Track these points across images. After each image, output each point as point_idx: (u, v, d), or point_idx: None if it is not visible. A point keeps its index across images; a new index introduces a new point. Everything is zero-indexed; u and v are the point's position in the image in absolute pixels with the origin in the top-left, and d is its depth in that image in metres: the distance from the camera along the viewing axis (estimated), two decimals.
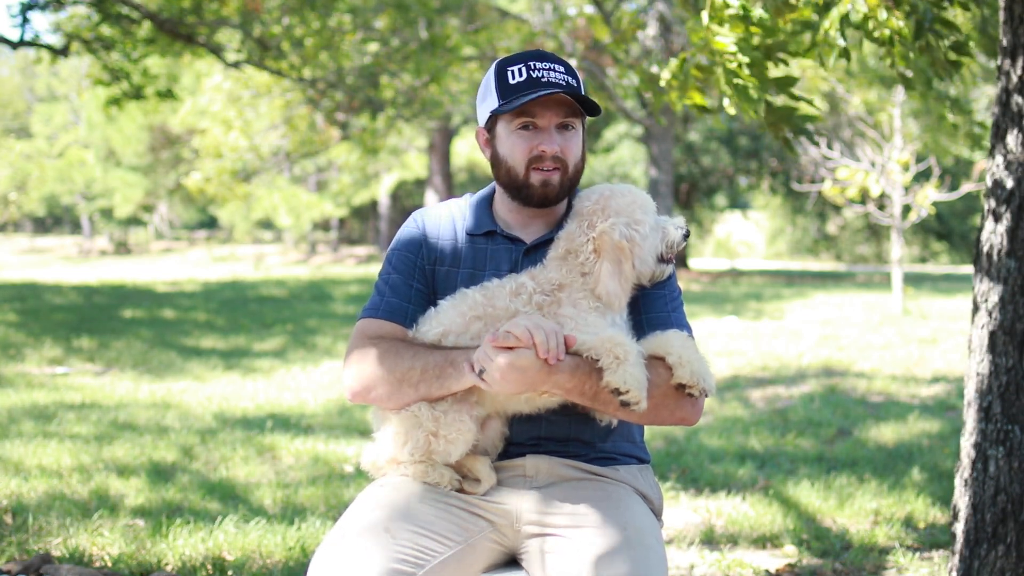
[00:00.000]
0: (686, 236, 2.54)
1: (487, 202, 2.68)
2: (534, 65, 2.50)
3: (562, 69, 2.52)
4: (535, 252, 2.57)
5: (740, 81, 3.50)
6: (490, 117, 2.56)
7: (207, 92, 25.22)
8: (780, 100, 3.80)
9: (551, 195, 2.54)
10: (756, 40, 3.54)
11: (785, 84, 3.66)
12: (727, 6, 3.48)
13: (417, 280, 2.58)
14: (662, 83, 3.86)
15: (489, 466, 2.46)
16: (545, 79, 2.48)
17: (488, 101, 2.56)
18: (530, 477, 2.50)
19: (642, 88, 4.30)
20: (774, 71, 3.70)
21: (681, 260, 30.03)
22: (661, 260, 2.51)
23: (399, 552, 2.24)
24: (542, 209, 2.60)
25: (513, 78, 2.49)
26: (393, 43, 18.15)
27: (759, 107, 3.57)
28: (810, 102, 3.76)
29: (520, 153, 2.51)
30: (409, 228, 2.67)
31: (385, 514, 2.32)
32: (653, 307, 2.54)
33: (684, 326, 2.52)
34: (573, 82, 2.52)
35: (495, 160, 2.58)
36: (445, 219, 2.67)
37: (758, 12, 3.50)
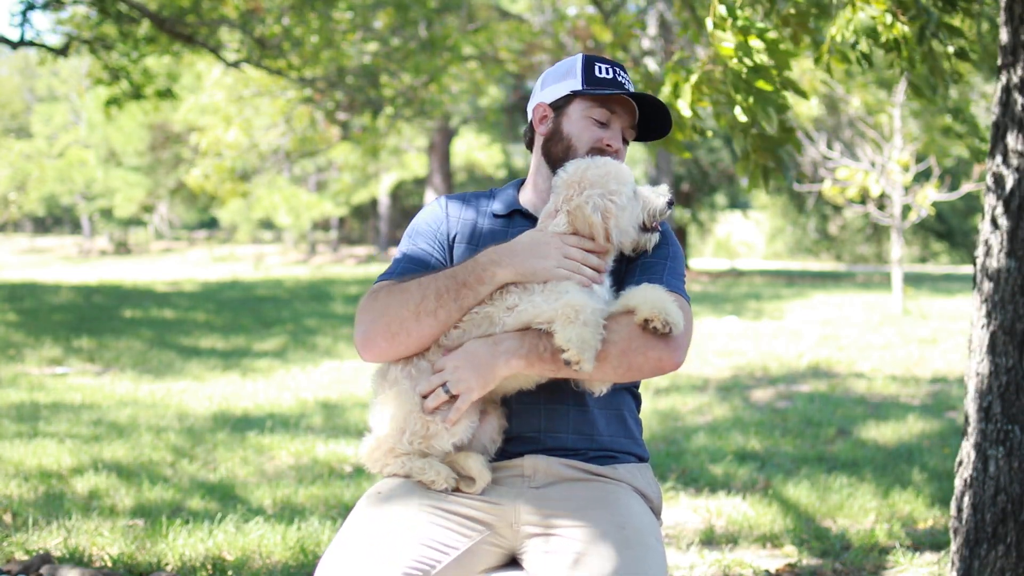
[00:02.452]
0: (670, 204, 2.53)
1: (516, 187, 2.78)
2: (619, 71, 2.67)
3: (635, 88, 2.72)
4: None
5: (734, 92, 3.49)
6: (566, 95, 2.65)
7: (208, 88, 25.21)
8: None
9: None
10: (760, 58, 3.53)
11: (780, 108, 3.64)
12: (726, 18, 3.48)
13: (437, 251, 2.63)
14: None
15: (482, 463, 2.45)
16: (627, 86, 2.66)
17: (568, 81, 2.66)
18: (528, 477, 2.50)
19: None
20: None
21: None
22: (644, 229, 2.52)
23: (402, 564, 2.24)
24: None
25: (600, 73, 2.64)
26: (393, 42, 18.15)
27: (745, 131, 3.56)
28: (796, 141, 3.75)
29: (588, 137, 2.63)
30: (431, 207, 2.74)
31: (386, 525, 2.32)
32: (648, 273, 2.53)
33: (678, 291, 2.49)
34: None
35: (554, 135, 2.67)
36: (469, 202, 2.74)
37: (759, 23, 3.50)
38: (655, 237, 2.55)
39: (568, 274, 2.40)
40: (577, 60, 2.68)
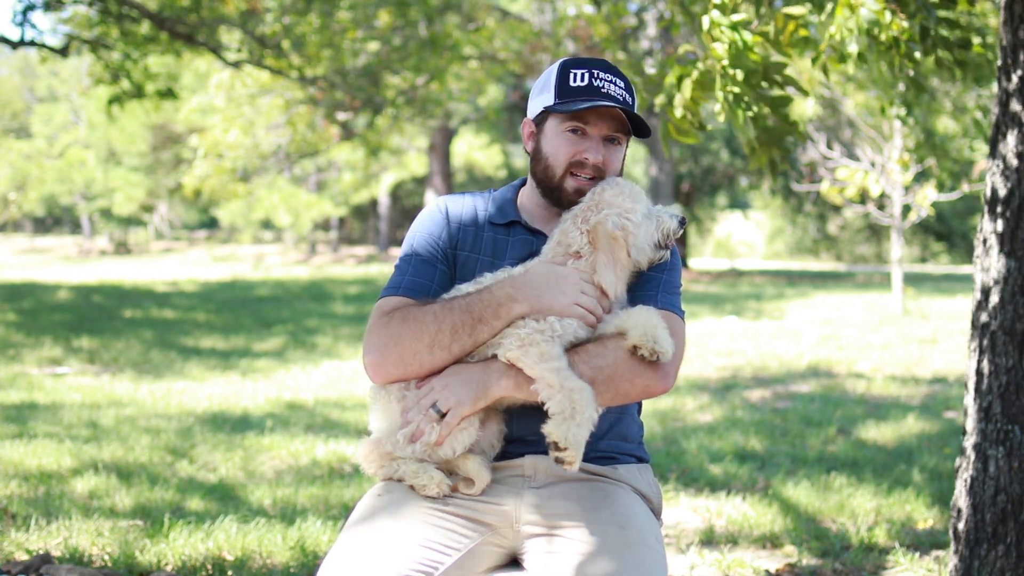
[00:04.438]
0: (683, 223, 2.55)
1: (512, 195, 2.72)
2: (597, 73, 2.54)
3: (622, 84, 2.57)
4: None
5: (735, 90, 3.48)
6: (542, 112, 2.59)
7: (212, 88, 25.17)
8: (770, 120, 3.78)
9: None
10: (754, 56, 3.52)
11: (779, 104, 3.64)
12: (718, 23, 3.47)
13: (441, 262, 2.60)
14: (657, 109, 3.84)
15: (479, 464, 2.45)
16: (605, 90, 2.53)
17: (544, 96, 2.59)
18: (528, 477, 2.50)
19: (638, 89, 4.28)
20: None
21: (682, 261, 30.02)
22: (659, 247, 2.54)
23: (404, 568, 2.23)
24: None
25: (574, 81, 2.54)
26: (394, 41, 18.14)
27: (748, 124, 3.55)
28: (801, 131, 3.74)
29: (563, 155, 2.55)
30: (431, 211, 2.69)
31: (388, 528, 2.31)
32: (644, 288, 2.55)
33: (671, 307, 2.51)
34: (629, 99, 2.57)
35: (536, 155, 2.62)
36: (468, 206, 2.69)
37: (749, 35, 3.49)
38: (667, 255, 2.56)
39: (583, 313, 2.40)
40: (553, 71, 2.59)
